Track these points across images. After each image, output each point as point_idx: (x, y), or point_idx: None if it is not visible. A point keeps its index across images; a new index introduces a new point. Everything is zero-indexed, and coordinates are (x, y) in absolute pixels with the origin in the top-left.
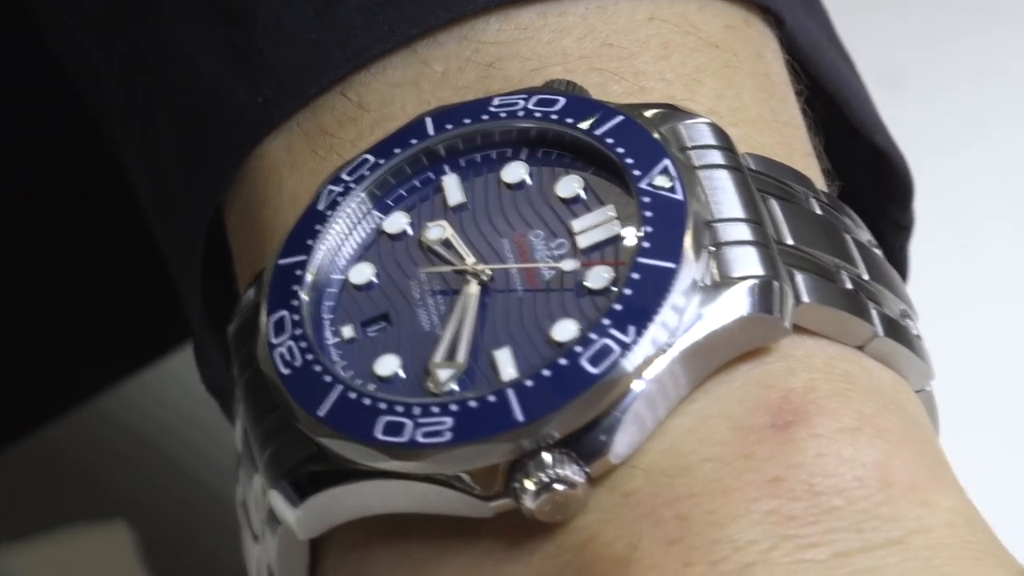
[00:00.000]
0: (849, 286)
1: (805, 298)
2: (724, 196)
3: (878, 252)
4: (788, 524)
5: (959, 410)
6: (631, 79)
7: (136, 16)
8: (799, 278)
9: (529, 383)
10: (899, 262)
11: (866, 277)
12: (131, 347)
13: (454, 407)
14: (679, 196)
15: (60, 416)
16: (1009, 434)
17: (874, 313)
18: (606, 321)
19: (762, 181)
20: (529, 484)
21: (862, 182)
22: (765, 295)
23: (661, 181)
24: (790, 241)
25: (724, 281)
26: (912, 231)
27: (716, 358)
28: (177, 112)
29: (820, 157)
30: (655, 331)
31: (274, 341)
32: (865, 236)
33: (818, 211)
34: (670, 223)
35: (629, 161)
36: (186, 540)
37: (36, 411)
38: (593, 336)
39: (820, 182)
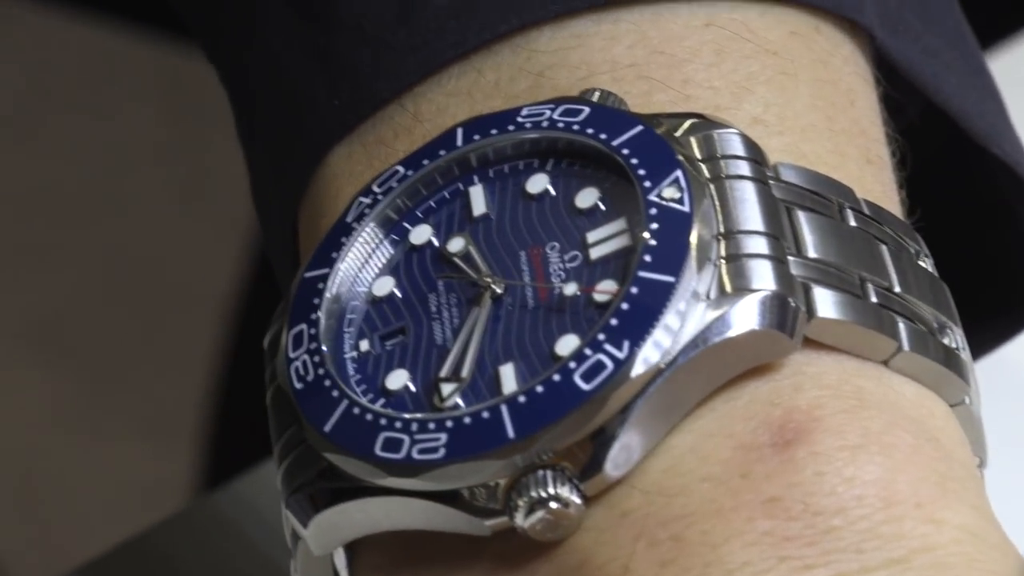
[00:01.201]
0: (875, 299)
1: (821, 312)
2: (745, 208)
3: (922, 264)
4: (785, 545)
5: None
6: (677, 87)
7: (238, 13)
8: (816, 292)
9: (522, 399)
10: None
11: (897, 290)
12: None
13: (449, 423)
14: (686, 208)
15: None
16: None
17: (901, 327)
18: (601, 336)
19: (793, 192)
20: (521, 502)
21: (1006, 195)
22: (773, 309)
23: (670, 193)
24: (812, 254)
25: (734, 294)
26: None
27: (720, 373)
28: (268, 109)
29: (891, 168)
30: (650, 346)
31: (292, 355)
32: (912, 247)
33: (852, 222)
34: (674, 236)
35: (641, 172)
36: None
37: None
38: (588, 352)
39: (876, 192)
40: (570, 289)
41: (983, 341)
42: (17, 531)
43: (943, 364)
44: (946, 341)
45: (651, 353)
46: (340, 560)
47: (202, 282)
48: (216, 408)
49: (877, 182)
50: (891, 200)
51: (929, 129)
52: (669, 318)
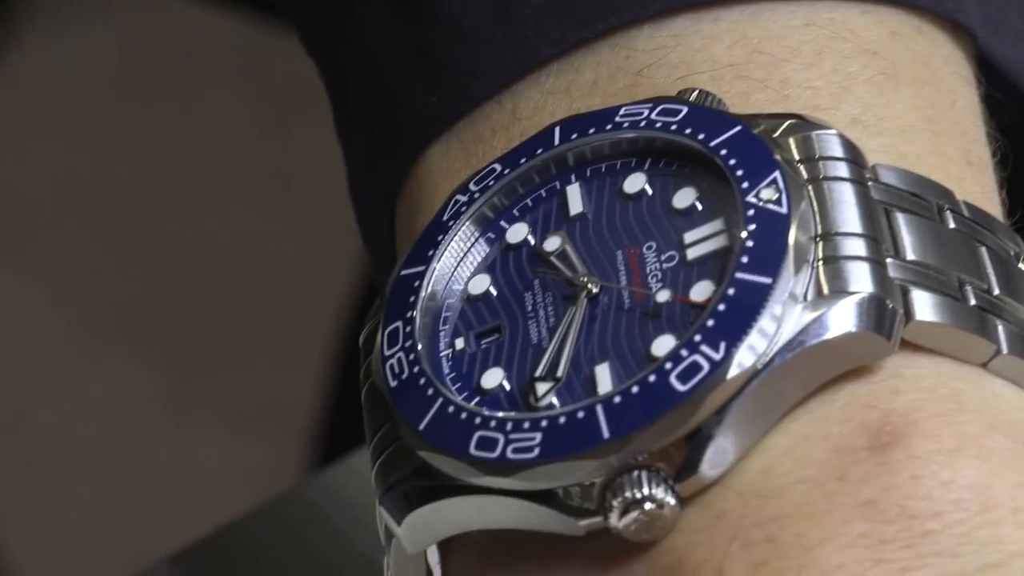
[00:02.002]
0: (973, 302)
1: (919, 315)
2: (843, 209)
3: (1022, 267)
4: (880, 548)
5: None
6: (776, 87)
7: (337, 9)
8: (914, 294)
9: (617, 399)
10: None
11: (996, 292)
12: None
13: (544, 423)
14: (783, 210)
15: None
16: None
17: (1000, 329)
18: (698, 337)
19: (892, 194)
20: (616, 502)
21: None
22: (871, 312)
23: (767, 194)
24: (911, 256)
25: (831, 296)
26: None
27: (817, 375)
28: (366, 105)
29: (992, 168)
30: (747, 347)
31: (387, 353)
32: (1012, 249)
33: (951, 224)
34: (772, 237)
35: (739, 173)
36: None
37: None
38: (684, 352)
39: (976, 193)
40: (663, 296)
41: None
42: (106, 519)
43: None
44: None
45: (747, 355)
46: (433, 557)
47: (290, 271)
48: (328, 402)
49: (977, 183)
50: (991, 201)
51: None
52: (766, 320)
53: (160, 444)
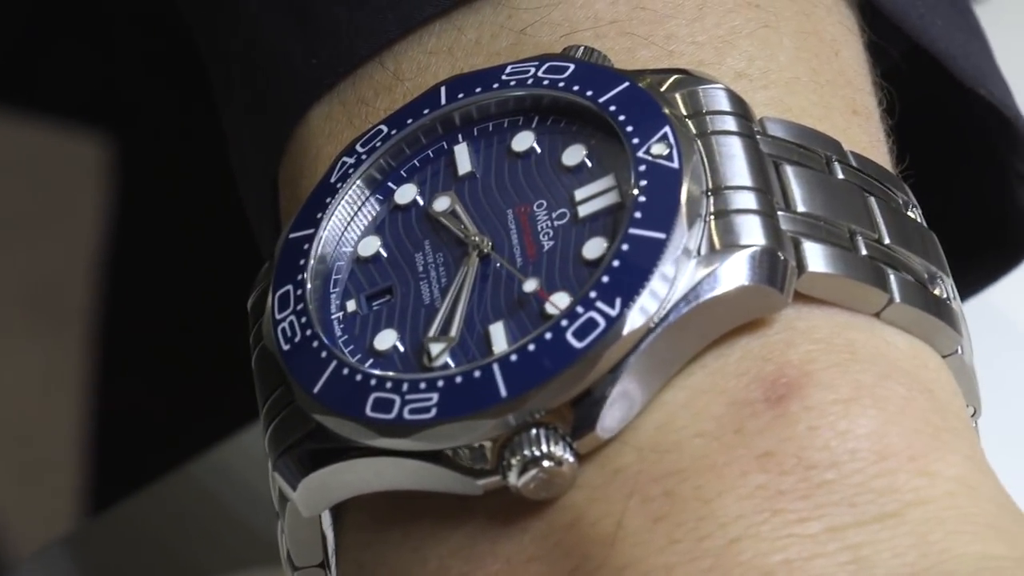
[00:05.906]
0: (865, 252)
1: (811, 267)
2: (732, 163)
3: (911, 215)
4: (778, 499)
5: None
6: (660, 43)
7: None
8: (806, 246)
9: (514, 358)
10: None
11: (887, 241)
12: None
13: (440, 383)
14: (675, 164)
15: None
16: None
17: (892, 278)
18: (593, 294)
19: (779, 146)
20: (515, 461)
21: (992, 136)
22: (763, 265)
23: (658, 149)
24: (801, 208)
25: (723, 250)
26: None
27: (712, 330)
28: (246, 72)
29: (878, 117)
30: (642, 303)
31: (278, 316)
32: (900, 198)
33: (840, 175)
34: (664, 192)
35: (629, 129)
36: None
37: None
38: (580, 309)
39: (863, 143)
40: (530, 287)
41: (968, 283)
42: (13, 497)
43: (934, 315)
44: (937, 291)
45: (642, 310)
46: (327, 521)
47: None
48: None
49: (864, 133)
50: (878, 151)
51: (914, 73)
52: (660, 275)
53: (69, 419)
